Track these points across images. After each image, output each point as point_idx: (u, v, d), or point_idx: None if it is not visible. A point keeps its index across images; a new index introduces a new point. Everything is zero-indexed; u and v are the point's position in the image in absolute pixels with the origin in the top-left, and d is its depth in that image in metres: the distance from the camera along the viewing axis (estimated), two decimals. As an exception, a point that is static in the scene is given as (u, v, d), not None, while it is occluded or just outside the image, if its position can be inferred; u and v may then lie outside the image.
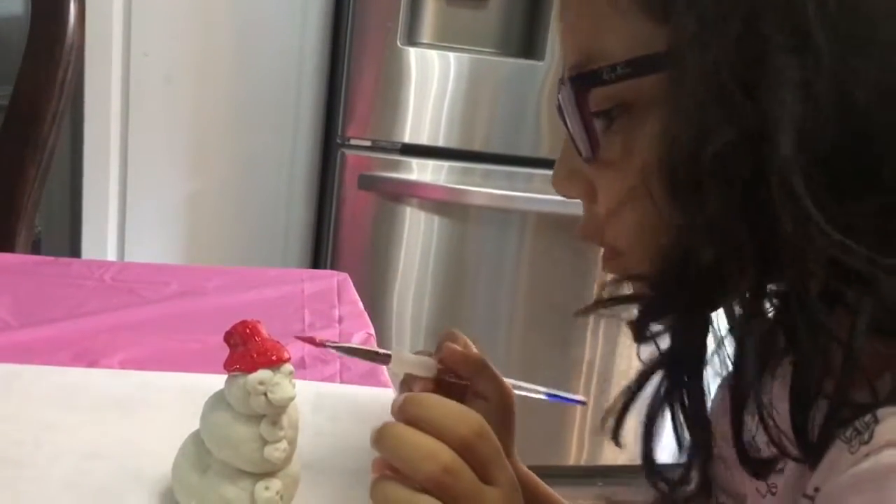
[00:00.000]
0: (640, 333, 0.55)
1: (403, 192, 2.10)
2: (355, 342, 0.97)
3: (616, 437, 0.60)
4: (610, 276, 0.60)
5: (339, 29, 2.09)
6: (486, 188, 2.10)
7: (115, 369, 0.84)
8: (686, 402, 0.55)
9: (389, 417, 0.55)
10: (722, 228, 0.47)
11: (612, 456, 2.30)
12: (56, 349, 0.87)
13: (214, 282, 1.09)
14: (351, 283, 1.14)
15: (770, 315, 0.52)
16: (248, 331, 0.58)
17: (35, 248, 1.57)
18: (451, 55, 2.06)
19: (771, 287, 0.52)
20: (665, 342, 0.55)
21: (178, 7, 2.03)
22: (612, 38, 0.52)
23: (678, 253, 0.49)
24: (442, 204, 2.12)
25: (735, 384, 0.53)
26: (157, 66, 2.04)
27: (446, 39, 2.10)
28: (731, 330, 0.56)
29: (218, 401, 0.60)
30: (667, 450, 0.59)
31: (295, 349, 0.79)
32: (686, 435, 0.56)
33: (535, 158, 2.05)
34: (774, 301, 0.52)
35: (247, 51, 2.10)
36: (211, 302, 1.04)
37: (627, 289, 0.57)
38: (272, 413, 0.58)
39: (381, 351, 0.71)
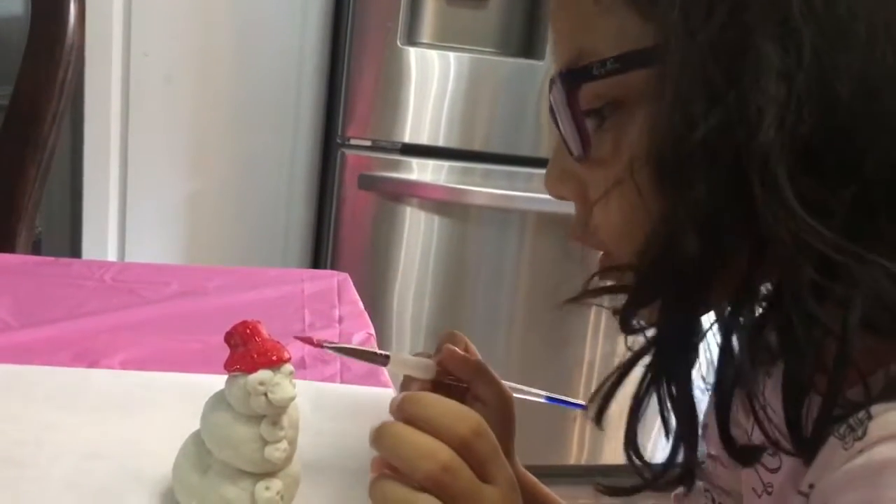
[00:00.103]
0: (627, 323, 0.55)
1: (403, 192, 2.10)
2: (355, 342, 0.97)
3: (599, 420, 0.60)
4: (598, 267, 0.60)
5: (339, 29, 2.10)
6: (486, 188, 2.10)
7: (116, 370, 0.84)
8: (672, 387, 0.55)
9: (390, 417, 0.56)
10: (706, 215, 0.48)
11: (612, 455, 2.30)
12: (56, 349, 0.87)
13: (215, 282, 1.09)
14: (351, 283, 1.14)
15: (761, 309, 0.52)
16: (248, 331, 0.58)
17: (35, 249, 1.57)
18: (451, 55, 2.06)
19: (764, 285, 0.52)
20: (652, 329, 0.56)
21: (177, 7, 2.04)
22: (600, 36, 0.53)
23: (663, 241, 0.50)
24: (442, 204, 2.12)
25: (718, 376, 0.53)
26: (158, 66, 2.04)
27: (446, 39, 2.10)
28: (719, 322, 0.56)
29: (218, 401, 0.60)
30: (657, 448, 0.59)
31: (295, 349, 0.79)
32: (672, 421, 0.56)
33: (535, 158, 2.05)
34: (765, 293, 0.52)
35: (247, 51, 2.10)
36: (211, 302, 1.04)
37: (615, 279, 0.57)
38: (272, 413, 0.58)
39: (380, 352, 0.71)
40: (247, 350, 0.58)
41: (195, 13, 2.05)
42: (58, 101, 1.35)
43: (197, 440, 0.62)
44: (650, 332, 0.55)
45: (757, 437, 0.53)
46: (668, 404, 0.55)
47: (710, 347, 0.57)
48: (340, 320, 1.02)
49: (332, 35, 2.12)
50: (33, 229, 1.42)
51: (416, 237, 2.14)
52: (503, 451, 0.56)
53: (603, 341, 2.23)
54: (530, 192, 2.03)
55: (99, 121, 2.03)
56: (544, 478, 0.78)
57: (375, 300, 2.12)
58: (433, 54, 2.05)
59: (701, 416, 0.57)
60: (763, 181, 0.46)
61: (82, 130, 2.03)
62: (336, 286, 1.12)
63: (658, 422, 0.57)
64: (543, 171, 0.60)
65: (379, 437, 0.54)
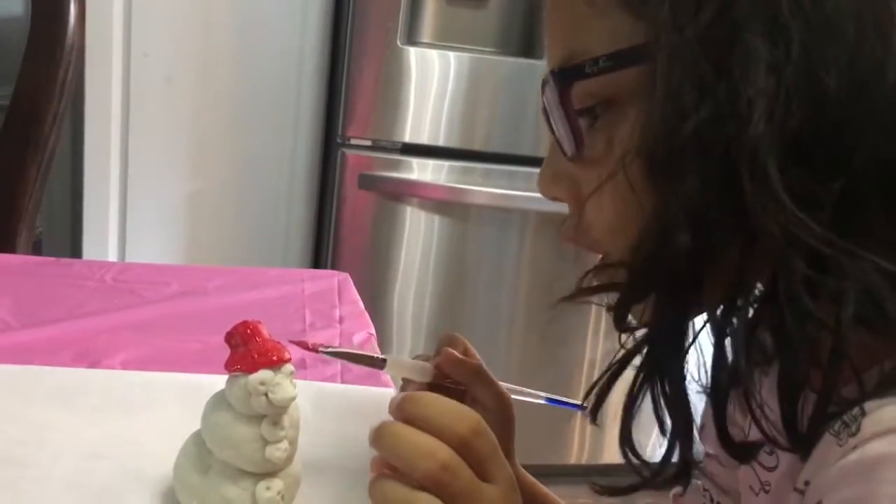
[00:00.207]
0: (621, 320, 0.55)
1: (404, 192, 2.10)
2: (356, 342, 0.97)
3: (594, 418, 0.60)
4: (593, 264, 0.60)
5: (339, 29, 2.10)
6: (486, 187, 2.10)
7: (117, 370, 0.84)
8: (666, 385, 0.55)
9: (390, 417, 0.56)
10: (697, 209, 0.48)
11: (612, 455, 2.31)
12: (57, 350, 0.87)
13: (215, 282, 1.09)
14: (351, 283, 1.14)
15: (754, 309, 0.52)
16: (248, 331, 0.58)
17: (36, 249, 1.58)
18: (452, 55, 2.06)
19: (757, 286, 0.52)
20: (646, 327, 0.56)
21: (178, 7, 2.04)
22: (593, 37, 0.53)
23: (656, 236, 0.50)
24: (442, 203, 2.12)
25: (713, 375, 0.54)
26: (158, 67, 2.04)
27: (446, 39, 2.11)
28: (712, 322, 0.56)
29: (219, 401, 0.60)
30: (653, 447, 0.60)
31: (295, 349, 0.80)
32: (667, 419, 0.56)
33: (535, 157, 2.05)
34: (758, 294, 0.53)
35: (247, 51, 2.11)
36: (212, 302, 1.04)
37: (608, 277, 0.58)
38: (273, 413, 0.58)
39: (377, 356, 0.71)
40: (247, 350, 0.58)
41: (195, 13, 2.05)
42: (58, 102, 1.35)
43: (198, 440, 0.62)
44: (644, 330, 0.56)
45: (754, 436, 0.53)
46: (662, 402, 0.56)
47: (702, 349, 0.58)
48: (341, 320, 1.02)
49: (332, 35, 2.12)
50: (34, 229, 1.42)
51: (417, 237, 2.14)
52: (503, 452, 0.57)
53: (604, 341, 2.24)
54: (530, 192, 2.03)
55: (99, 121, 2.03)
56: (544, 477, 0.79)
57: (376, 300, 2.13)
58: (433, 54, 2.05)
59: (698, 415, 0.57)
60: (753, 174, 0.46)
61: (83, 131, 2.03)
62: (336, 286, 1.12)
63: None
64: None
65: (378, 436, 0.54)
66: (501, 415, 0.71)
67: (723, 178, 0.47)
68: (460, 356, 0.71)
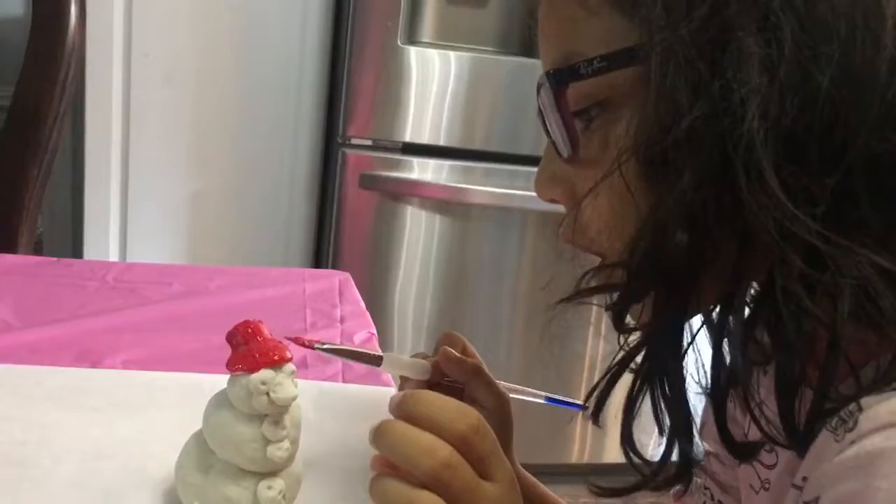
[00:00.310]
0: (620, 320, 0.55)
1: (404, 191, 2.10)
2: (357, 342, 0.97)
3: (596, 418, 0.60)
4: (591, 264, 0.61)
5: (340, 28, 2.10)
6: (486, 187, 2.10)
7: (118, 369, 0.84)
8: (665, 385, 0.55)
9: (391, 416, 0.56)
10: (693, 206, 0.49)
11: (613, 454, 2.31)
12: (59, 350, 0.87)
13: (216, 282, 1.09)
14: (352, 283, 1.14)
15: (750, 309, 0.53)
16: (250, 331, 0.58)
17: (37, 249, 1.58)
18: (452, 54, 2.06)
19: (753, 286, 0.53)
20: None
21: (178, 7, 2.04)
22: (586, 38, 0.54)
23: (652, 235, 0.50)
24: (443, 203, 2.12)
25: (713, 374, 0.54)
26: (158, 67, 2.04)
27: (447, 38, 2.11)
28: (709, 322, 0.56)
29: (220, 401, 0.60)
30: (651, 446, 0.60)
31: (296, 349, 0.80)
32: (666, 418, 0.57)
33: (535, 157, 2.02)
34: (754, 294, 0.53)
35: (247, 51, 2.11)
36: (213, 302, 1.04)
37: (606, 278, 0.58)
38: (274, 412, 0.58)
39: (373, 353, 0.71)
40: (249, 350, 0.58)
41: (195, 13, 2.05)
42: (59, 102, 1.35)
43: (199, 440, 0.62)
44: (643, 330, 0.56)
45: (754, 434, 0.54)
46: (662, 403, 0.56)
47: (700, 350, 0.58)
48: (342, 320, 1.02)
49: (332, 35, 2.12)
50: (35, 230, 1.42)
51: (417, 236, 2.14)
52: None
53: (604, 341, 2.24)
54: (531, 191, 2.01)
55: (100, 121, 2.03)
56: (545, 477, 0.79)
57: (376, 299, 2.13)
58: (434, 53, 2.06)
59: (697, 414, 0.57)
60: (747, 171, 0.47)
61: (83, 131, 2.03)
62: (337, 286, 1.12)
63: (658, 419, 0.58)
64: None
65: (379, 435, 0.54)
66: (500, 414, 0.71)
67: (718, 175, 0.48)
68: (458, 355, 0.71)
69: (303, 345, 0.68)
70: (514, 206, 2.10)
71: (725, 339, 0.56)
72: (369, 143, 2.08)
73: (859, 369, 0.48)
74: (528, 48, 2.08)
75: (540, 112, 0.58)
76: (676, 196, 0.48)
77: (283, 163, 2.17)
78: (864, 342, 0.49)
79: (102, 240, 2.10)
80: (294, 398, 0.58)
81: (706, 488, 0.72)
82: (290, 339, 0.68)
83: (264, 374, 0.57)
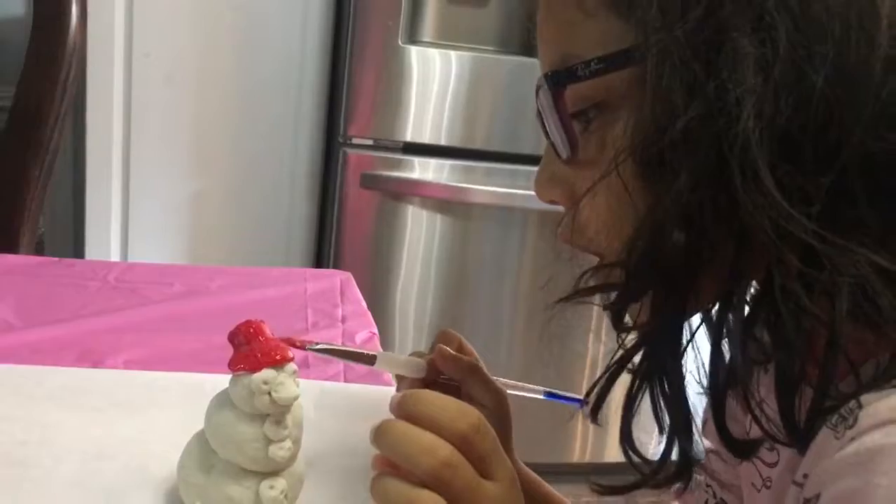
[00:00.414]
0: (618, 319, 0.56)
1: (405, 191, 2.11)
2: (359, 341, 0.97)
3: (595, 416, 0.61)
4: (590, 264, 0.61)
5: (340, 28, 2.10)
6: (487, 186, 2.10)
7: (120, 369, 0.84)
8: (665, 384, 0.55)
9: (391, 416, 0.56)
10: (690, 206, 0.49)
11: (615, 453, 2.30)
12: (60, 349, 0.87)
13: (217, 282, 1.09)
14: (354, 283, 1.14)
15: (749, 307, 0.53)
16: (252, 330, 0.58)
17: (38, 249, 1.58)
18: (453, 54, 2.06)
19: (752, 285, 0.53)
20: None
21: (179, 7, 2.04)
22: (584, 41, 0.54)
23: (649, 235, 0.51)
24: (444, 202, 2.13)
25: (711, 372, 0.54)
26: (159, 67, 2.05)
27: (447, 38, 2.11)
28: (707, 321, 0.57)
29: (222, 400, 0.60)
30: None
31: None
32: (666, 417, 0.57)
33: (536, 156, 2.02)
34: (753, 293, 0.53)
35: (248, 50, 2.11)
36: (214, 302, 1.04)
37: (605, 277, 0.58)
38: (276, 412, 0.58)
39: (366, 352, 0.71)
40: (251, 349, 0.58)
41: (196, 13, 2.05)
42: (60, 102, 1.35)
43: (201, 439, 0.62)
44: (642, 329, 0.56)
45: (755, 432, 0.54)
46: (661, 401, 0.56)
47: (700, 348, 0.58)
48: (343, 319, 1.02)
49: (333, 34, 2.12)
50: (36, 230, 1.42)
51: (418, 236, 2.14)
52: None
53: (605, 339, 2.23)
54: (531, 191, 2.01)
55: (101, 121, 2.04)
56: (547, 476, 0.79)
57: (378, 299, 2.13)
58: (434, 53, 2.06)
59: (697, 413, 0.57)
60: (743, 170, 0.47)
61: (84, 131, 2.03)
62: (339, 285, 1.12)
63: (660, 418, 0.58)
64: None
65: (379, 434, 0.54)
66: (498, 411, 0.71)
67: (714, 175, 0.48)
68: (454, 353, 0.71)
69: (294, 345, 0.68)
70: (515, 205, 2.10)
71: (725, 338, 0.56)
72: (370, 142, 2.08)
73: (859, 367, 0.48)
74: (528, 48, 2.07)
75: (539, 114, 0.58)
76: (673, 196, 0.49)
77: (284, 162, 2.17)
78: (863, 341, 0.49)
79: (104, 240, 2.10)
80: (296, 398, 0.59)
81: (708, 486, 0.73)
82: (283, 340, 0.68)
83: (266, 373, 0.57)
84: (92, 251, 2.09)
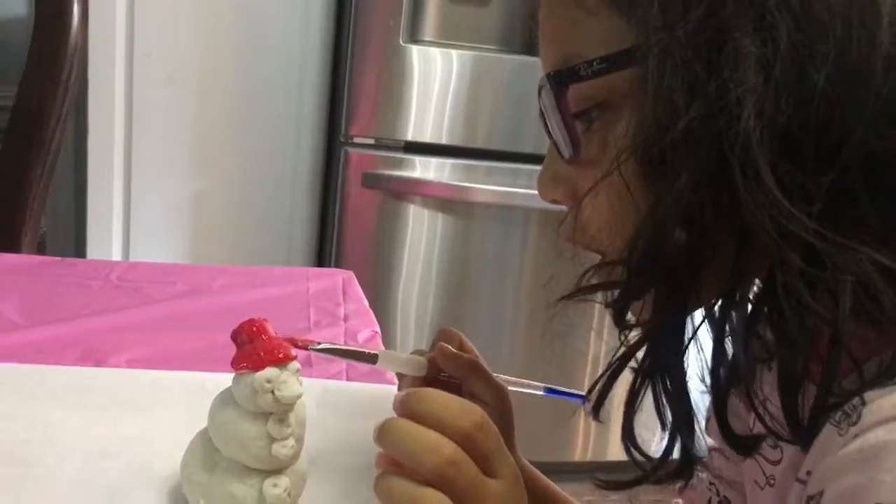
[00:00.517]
0: (620, 317, 0.56)
1: (407, 190, 2.11)
2: (361, 340, 0.97)
3: (597, 413, 0.61)
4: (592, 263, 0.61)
5: (342, 27, 2.10)
6: (489, 185, 2.10)
7: (122, 368, 0.85)
8: (667, 381, 0.56)
9: (394, 414, 0.56)
10: (691, 205, 0.49)
11: (617, 451, 2.30)
12: (63, 348, 0.87)
13: (220, 281, 1.10)
14: (356, 281, 1.14)
15: (752, 305, 0.53)
16: (255, 329, 0.59)
17: (40, 249, 1.58)
18: (454, 53, 2.06)
19: (754, 283, 0.53)
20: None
21: (180, 7, 2.04)
22: (586, 40, 0.54)
23: (651, 233, 0.51)
24: (445, 201, 2.13)
25: (714, 370, 0.55)
26: (160, 67, 2.05)
27: (449, 37, 2.11)
28: (710, 318, 0.57)
29: (225, 399, 0.60)
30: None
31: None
32: (668, 414, 0.57)
33: (537, 155, 2.04)
34: (756, 291, 0.53)
35: (249, 50, 2.11)
36: (217, 301, 1.04)
37: (607, 276, 0.58)
38: (280, 411, 0.58)
39: (368, 351, 0.71)
40: (254, 348, 0.58)
41: (197, 13, 2.05)
42: (62, 102, 1.35)
43: (204, 438, 0.62)
44: (644, 327, 0.56)
45: (758, 429, 0.54)
46: (664, 398, 0.56)
47: (702, 346, 0.58)
48: (346, 318, 1.02)
49: (334, 34, 2.13)
50: (38, 230, 1.42)
51: (420, 235, 2.14)
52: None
53: (607, 336, 2.24)
54: (533, 189, 2.01)
55: (102, 121, 2.04)
56: (549, 475, 0.79)
57: (379, 298, 2.13)
58: (435, 52, 2.06)
59: (700, 411, 0.57)
60: (744, 169, 0.47)
61: (86, 130, 2.03)
62: (341, 284, 1.13)
63: (662, 415, 0.58)
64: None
65: (383, 433, 0.54)
66: (499, 408, 0.71)
67: (715, 174, 0.48)
68: (454, 350, 0.72)
69: (296, 345, 0.68)
70: (517, 204, 2.10)
71: (727, 336, 0.56)
72: (371, 141, 2.08)
73: (862, 364, 0.49)
74: (529, 47, 2.07)
75: (542, 114, 0.58)
76: (674, 195, 0.49)
77: (286, 162, 2.18)
78: (866, 338, 0.49)
79: (105, 239, 2.10)
80: (299, 396, 0.59)
81: (711, 484, 0.73)
82: (284, 339, 0.68)
83: (269, 372, 0.57)
84: (93, 251, 2.10)
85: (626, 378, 0.58)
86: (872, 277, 0.47)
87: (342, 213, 2.11)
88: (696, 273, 0.51)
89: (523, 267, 2.22)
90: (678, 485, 0.66)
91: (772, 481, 0.60)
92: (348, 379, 0.87)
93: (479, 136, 2.11)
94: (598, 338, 2.23)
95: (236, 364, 0.58)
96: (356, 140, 2.08)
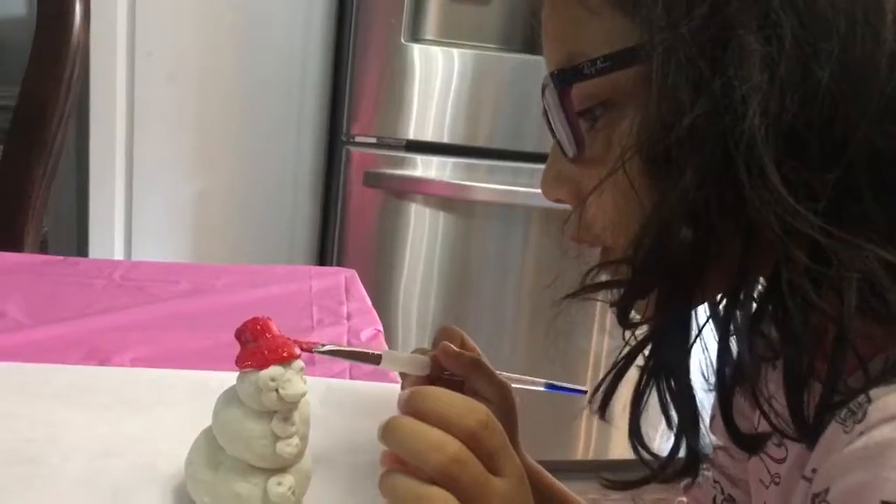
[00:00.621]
0: (624, 316, 0.56)
1: (408, 189, 2.11)
2: (364, 339, 0.97)
3: (603, 413, 0.61)
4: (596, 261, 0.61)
5: (343, 26, 2.10)
6: (490, 184, 2.11)
7: (126, 367, 0.85)
8: (672, 380, 0.56)
9: (398, 412, 0.56)
10: (696, 203, 0.49)
11: (619, 450, 2.31)
12: (67, 348, 0.87)
13: (223, 280, 1.10)
14: (359, 280, 1.14)
15: (756, 303, 0.53)
16: (259, 328, 0.59)
17: (42, 248, 1.58)
18: (455, 51, 2.06)
19: (759, 282, 0.53)
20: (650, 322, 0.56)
21: (181, 6, 2.04)
22: (589, 38, 0.55)
23: (656, 231, 0.51)
24: (447, 200, 2.13)
25: (719, 368, 0.54)
26: (162, 66, 2.05)
27: (450, 36, 2.11)
28: (714, 317, 0.57)
29: (230, 397, 0.60)
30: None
31: (302, 346, 0.80)
32: (673, 412, 0.57)
33: (539, 154, 2.05)
34: (761, 290, 0.53)
35: (250, 49, 2.11)
36: (220, 300, 1.04)
37: (612, 274, 0.58)
38: (284, 409, 0.58)
39: (372, 351, 0.71)
40: (258, 346, 0.58)
41: (198, 12, 2.05)
42: (65, 102, 1.35)
43: (209, 436, 0.62)
44: (648, 326, 0.56)
45: (763, 427, 0.54)
46: (668, 397, 0.56)
47: (707, 345, 0.58)
48: (349, 317, 1.03)
49: (335, 32, 2.13)
50: (41, 229, 1.42)
51: (422, 233, 2.14)
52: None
53: (609, 335, 2.24)
54: (534, 188, 2.01)
55: (104, 120, 2.04)
56: (551, 473, 0.79)
57: (381, 296, 2.13)
58: (437, 51, 2.06)
59: (705, 409, 0.58)
60: (749, 167, 0.47)
61: (88, 130, 2.03)
62: (344, 283, 1.13)
63: (665, 413, 0.58)
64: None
65: (388, 431, 0.54)
66: (503, 405, 0.71)
67: (720, 172, 0.48)
68: (456, 349, 0.72)
69: (301, 348, 0.68)
70: (518, 202, 2.10)
71: (732, 335, 0.56)
72: (373, 140, 2.09)
73: (867, 362, 0.49)
74: (531, 45, 2.08)
75: (545, 112, 0.58)
76: (679, 193, 0.49)
77: (287, 161, 2.18)
78: (871, 336, 0.49)
79: (107, 239, 2.10)
80: (303, 394, 0.59)
81: (716, 482, 0.73)
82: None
83: (273, 370, 0.57)
84: (95, 251, 2.10)
85: (630, 377, 0.58)
86: (878, 274, 0.47)
87: (344, 212, 2.11)
88: (701, 270, 0.51)
89: (525, 265, 2.22)
90: (683, 483, 0.67)
91: (777, 479, 0.60)
92: (351, 378, 0.87)
93: (480, 135, 2.11)
94: (601, 336, 2.23)
95: (240, 362, 0.58)
96: (358, 139, 2.08)
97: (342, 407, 0.79)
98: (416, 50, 2.04)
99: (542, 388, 0.75)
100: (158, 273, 1.11)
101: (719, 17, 0.48)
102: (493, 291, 2.22)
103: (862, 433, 0.46)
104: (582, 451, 2.39)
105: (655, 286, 0.53)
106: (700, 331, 0.57)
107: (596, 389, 0.61)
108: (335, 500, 0.67)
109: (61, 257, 1.16)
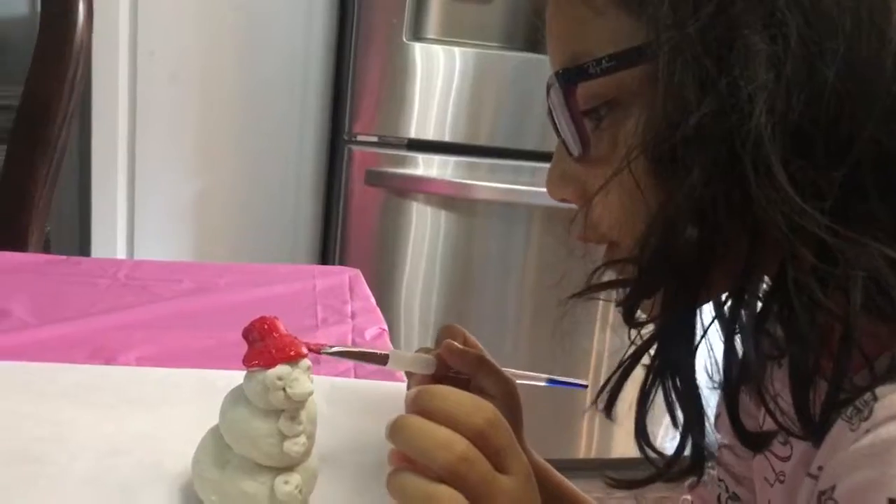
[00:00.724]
0: (630, 315, 0.56)
1: (410, 188, 2.11)
2: (368, 338, 0.97)
3: (609, 412, 0.61)
4: (601, 260, 0.61)
5: (345, 25, 2.10)
6: (492, 182, 2.11)
7: (132, 366, 0.85)
8: (677, 379, 0.56)
9: (404, 411, 0.56)
10: (702, 202, 0.49)
11: (622, 448, 2.31)
12: (72, 347, 0.87)
13: (226, 279, 1.10)
14: (362, 279, 1.14)
15: (762, 302, 0.53)
16: (266, 327, 0.59)
17: (45, 248, 1.58)
18: (457, 50, 2.06)
19: (765, 280, 0.53)
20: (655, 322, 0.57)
21: (183, 6, 2.04)
22: (594, 37, 0.55)
23: (662, 231, 0.51)
24: (448, 198, 2.13)
25: (725, 367, 0.55)
26: (164, 65, 2.05)
27: (452, 34, 2.11)
28: (720, 315, 0.57)
29: (237, 396, 0.61)
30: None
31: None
32: (678, 411, 0.57)
33: (540, 152, 2.05)
34: (766, 288, 0.53)
35: (252, 48, 2.11)
36: (224, 299, 1.04)
37: (617, 273, 0.58)
38: (291, 408, 0.59)
39: (379, 352, 0.71)
40: (265, 345, 0.58)
41: (201, 12, 2.06)
42: (68, 101, 1.35)
43: (216, 435, 0.62)
44: (654, 325, 0.56)
45: (768, 425, 0.54)
46: (674, 396, 0.56)
47: (713, 344, 0.58)
48: (353, 316, 1.03)
49: (337, 31, 2.13)
50: (44, 228, 1.43)
51: (423, 232, 2.14)
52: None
53: (611, 335, 2.24)
54: (536, 187, 2.03)
55: (106, 120, 2.04)
56: (554, 472, 0.79)
57: (383, 295, 2.13)
58: (439, 49, 2.06)
59: (710, 407, 0.58)
60: (756, 166, 0.48)
61: (90, 129, 2.03)
62: (347, 282, 1.13)
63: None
64: (549, 165, 0.61)
65: (395, 430, 0.54)
66: (508, 401, 0.71)
67: (726, 171, 0.48)
68: (461, 347, 0.72)
69: (309, 349, 0.69)
70: (520, 201, 2.10)
71: (737, 333, 0.56)
72: (375, 139, 2.09)
73: (873, 360, 0.49)
74: (533, 44, 2.08)
75: (550, 112, 0.58)
76: (686, 192, 0.49)
77: (289, 160, 2.18)
78: (877, 334, 0.49)
79: (110, 238, 2.11)
80: (310, 393, 0.59)
81: (721, 480, 0.73)
82: None
83: (280, 369, 0.58)
84: (98, 250, 2.10)
85: (636, 376, 0.58)
86: (883, 273, 0.47)
87: (346, 211, 2.12)
88: (706, 269, 0.51)
89: (526, 264, 2.22)
90: (689, 482, 0.67)
91: (781, 478, 0.60)
92: (356, 376, 0.87)
93: (482, 134, 2.11)
94: (602, 334, 2.23)
95: (248, 361, 0.59)
96: (359, 138, 2.08)
97: (347, 406, 0.79)
98: (418, 49, 2.04)
99: (543, 384, 0.75)
100: (162, 272, 1.11)
101: (725, 16, 0.48)
102: (495, 290, 2.23)
103: (868, 431, 0.46)
104: (584, 449, 2.39)
105: (661, 285, 0.53)
106: (706, 330, 0.57)
107: (602, 388, 0.61)
108: (342, 499, 0.67)
109: (65, 257, 1.16)
